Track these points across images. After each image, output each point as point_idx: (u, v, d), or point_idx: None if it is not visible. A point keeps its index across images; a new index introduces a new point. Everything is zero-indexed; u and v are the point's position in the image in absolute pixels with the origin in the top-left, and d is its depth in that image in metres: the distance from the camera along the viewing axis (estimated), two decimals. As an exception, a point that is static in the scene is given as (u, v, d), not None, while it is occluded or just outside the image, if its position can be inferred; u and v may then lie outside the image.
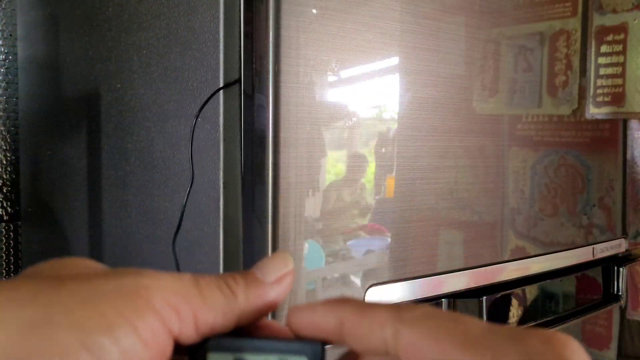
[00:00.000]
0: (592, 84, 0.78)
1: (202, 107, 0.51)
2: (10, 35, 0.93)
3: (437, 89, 0.59)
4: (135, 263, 0.63)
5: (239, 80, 0.50)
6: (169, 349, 0.19)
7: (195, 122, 0.53)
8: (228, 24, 0.50)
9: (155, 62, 0.60)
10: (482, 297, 0.64)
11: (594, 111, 0.78)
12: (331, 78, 0.50)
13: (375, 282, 0.54)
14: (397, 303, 0.20)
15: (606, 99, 0.79)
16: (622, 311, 0.89)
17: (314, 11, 0.49)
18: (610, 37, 0.78)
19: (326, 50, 0.50)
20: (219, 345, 0.21)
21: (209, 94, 0.51)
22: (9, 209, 0.93)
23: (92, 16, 0.72)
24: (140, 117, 0.62)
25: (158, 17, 0.59)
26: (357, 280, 0.53)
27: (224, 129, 0.50)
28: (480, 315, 0.64)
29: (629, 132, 0.85)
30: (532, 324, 0.71)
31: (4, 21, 0.92)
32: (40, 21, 0.86)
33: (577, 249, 0.77)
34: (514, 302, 0.69)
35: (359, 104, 0.53)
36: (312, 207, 0.50)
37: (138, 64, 0.63)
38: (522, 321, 0.70)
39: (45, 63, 0.84)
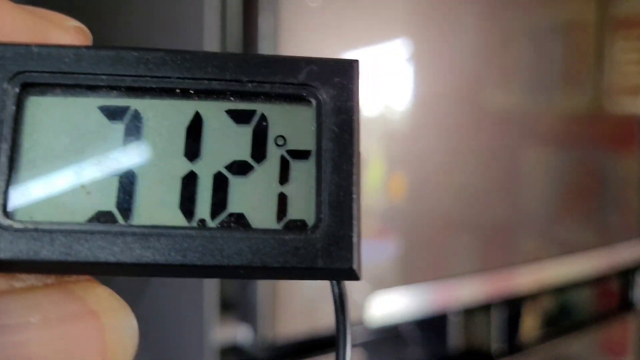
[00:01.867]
0: (610, 79, 0.75)
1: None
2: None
3: (447, 84, 0.57)
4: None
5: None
6: None
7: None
8: (225, 15, 0.48)
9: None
10: (493, 306, 0.61)
11: (612, 107, 0.75)
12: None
13: (380, 287, 0.52)
14: None
15: (625, 94, 0.76)
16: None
17: (315, 2, 0.47)
18: (630, 30, 0.75)
19: (328, 42, 0.47)
20: (55, 72, 0.11)
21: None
22: None
23: (78, 8, 0.70)
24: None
25: (148, 6, 0.56)
26: (360, 286, 0.51)
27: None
28: (493, 325, 0.62)
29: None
30: (547, 333, 0.69)
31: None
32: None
33: (593, 252, 0.74)
34: (528, 310, 0.67)
35: (362, 99, 0.50)
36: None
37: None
38: (536, 331, 0.67)
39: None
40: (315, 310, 0.48)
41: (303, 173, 0.11)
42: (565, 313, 0.72)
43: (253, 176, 0.11)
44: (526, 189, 0.66)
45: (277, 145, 0.11)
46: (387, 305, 0.52)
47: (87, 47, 0.11)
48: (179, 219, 0.11)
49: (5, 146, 0.11)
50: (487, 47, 0.60)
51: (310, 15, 0.47)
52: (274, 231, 0.11)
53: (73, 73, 0.11)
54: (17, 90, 0.11)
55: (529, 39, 0.65)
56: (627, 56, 0.75)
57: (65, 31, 0.13)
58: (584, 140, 0.73)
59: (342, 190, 0.11)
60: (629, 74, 0.76)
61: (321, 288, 0.48)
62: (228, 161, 0.11)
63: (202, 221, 0.11)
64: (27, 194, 0.11)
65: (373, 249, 0.52)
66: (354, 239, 0.11)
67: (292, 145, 0.11)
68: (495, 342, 0.62)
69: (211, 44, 0.47)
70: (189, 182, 0.11)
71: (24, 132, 0.11)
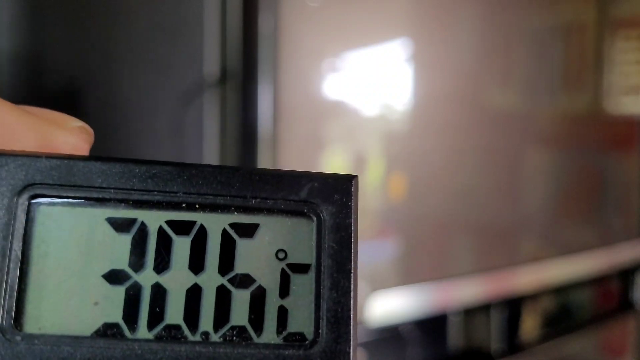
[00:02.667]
0: (610, 80, 0.75)
1: (190, 101, 0.49)
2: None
3: (447, 83, 0.57)
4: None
5: (237, 75, 0.47)
6: None
7: (184, 115, 0.50)
8: (225, 16, 0.48)
9: (144, 56, 0.58)
10: (494, 306, 0.61)
11: (611, 108, 0.75)
12: (333, 71, 0.48)
13: (380, 287, 0.52)
14: None
15: (625, 95, 0.76)
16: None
17: (315, 3, 0.47)
18: (629, 31, 0.75)
19: (328, 44, 0.48)
20: (61, 182, 0.11)
21: (201, 89, 0.48)
22: None
23: (77, 9, 0.70)
24: (127, 111, 0.60)
25: (148, 8, 0.57)
26: (361, 285, 0.51)
27: (221, 127, 0.48)
28: (493, 326, 0.62)
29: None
30: (548, 333, 0.69)
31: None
32: (25, 14, 0.84)
33: (594, 252, 0.74)
34: (529, 311, 0.67)
35: (362, 101, 0.51)
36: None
37: (125, 58, 0.60)
38: (536, 331, 0.67)
39: (29, 57, 0.83)
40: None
41: (303, 287, 0.12)
42: (565, 313, 0.72)
43: (255, 289, 0.12)
44: (526, 189, 0.66)
45: (278, 258, 0.12)
46: (387, 305, 0.52)
47: (96, 159, 0.12)
48: (184, 332, 0.11)
49: (16, 258, 0.11)
50: (488, 48, 0.60)
51: (310, 16, 0.47)
52: (275, 346, 0.11)
53: (82, 186, 0.11)
54: (27, 202, 0.11)
55: (529, 40, 0.65)
56: (626, 56, 0.75)
57: (70, 132, 0.13)
58: (584, 141, 0.73)
59: (340, 307, 0.11)
60: (629, 74, 0.76)
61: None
62: (231, 274, 0.12)
63: (206, 334, 0.11)
64: (36, 305, 0.11)
65: (373, 249, 0.52)
66: (351, 356, 0.11)
67: (292, 259, 0.12)
68: (495, 342, 0.62)
69: (211, 44, 0.47)
70: (193, 294, 0.12)
71: (34, 243, 0.11)
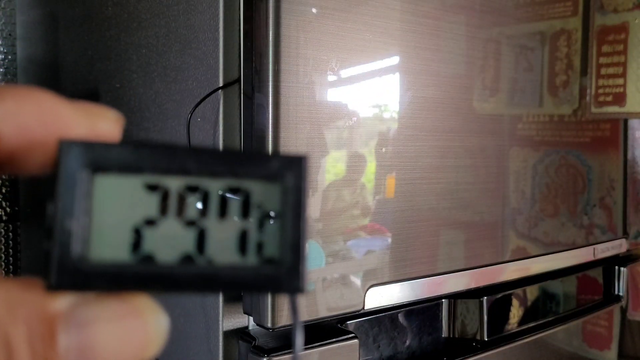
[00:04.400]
0: (593, 84, 0.78)
1: (197, 105, 0.51)
2: (10, 34, 0.92)
3: (438, 89, 0.59)
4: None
5: (239, 79, 0.50)
6: None
7: (189, 119, 0.52)
8: (228, 23, 0.50)
9: (154, 62, 0.59)
10: (482, 297, 0.64)
11: (594, 111, 0.78)
12: (331, 77, 0.50)
13: (375, 282, 0.54)
14: None
15: (607, 98, 0.78)
16: (623, 312, 0.89)
17: (314, 10, 0.49)
18: (611, 37, 0.78)
19: (326, 50, 0.50)
20: (113, 161, 0.16)
21: (210, 95, 0.50)
22: (8, 209, 0.93)
23: (91, 15, 0.71)
24: (139, 117, 0.62)
25: (157, 15, 0.58)
26: (357, 281, 0.53)
27: (224, 129, 0.50)
28: (481, 316, 0.64)
29: (629, 132, 0.85)
30: (533, 324, 0.71)
31: (3, 21, 0.92)
32: (39, 21, 0.85)
33: (577, 249, 0.76)
34: (515, 302, 0.69)
35: (359, 103, 0.53)
36: (311, 207, 0.50)
37: (137, 64, 0.62)
38: (522, 321, 0.70)
39: (44, 63, 0.84)
40: (314, 301, 0.50)
41: (273, 227, 0.17)
42: (550, 305, 0.74)
43: (242, 229, 0.17)
44: (513, 188, 0.68)
45: (257, 208, 0.17)
46: (379, 296, 0.55)
47: (136, 144, 0.16)
48: (195, 258, 0.17)
49: (86, 218, 0.16)
50: (476, 55, 0.62)
51: (310, 23, 0.49)
52: (255, 266, 0.17)
53: (126, 160, 0.16)
54: (91, 174, 0.16)
55: (517, 47, 0.67)
56: (611, 60, 0.78)
57: (109, 121, 0.18)
58: (569, 142, 0.75)
59: (297, 239, 0.17)
60: (613, 78, 0.78)
61: (320, 281, 0.51)
62: (226, 219, 0.17)
63: (210, 260, 0.17)
64: (102, 245, 0.16)
65: (366, 244, 0.54)
66: (303, 271, 0.17)
67: (266, 209, 0.18)
68: (482, 332, 0.64)
69: (220, 52, 0.49)
70: (201, 232, 0.17)
71: (95, 203, 0.16)
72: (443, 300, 0.64)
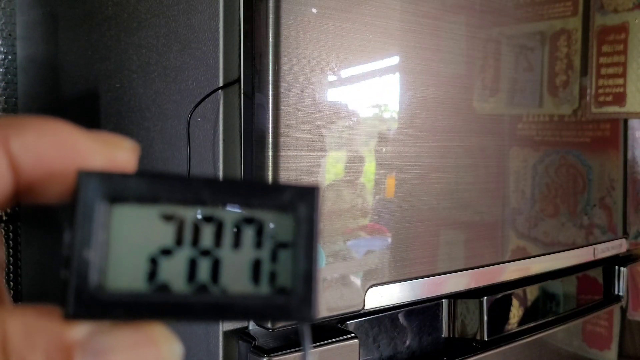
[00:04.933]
0: (593, 84, 0.78)
1: (197, 105, 0.51)
2: (10, 34, 0.92)
3: (438, 89, 0.59)
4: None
5: (239, 79, 0.50)
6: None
7: (189, 119, 0.52)
8: (228, 23, 0.50)
9: (154, 62, 0.59)
10: (482, 297, 0.64)
11: (594, 111, 0.78)
12: (331, 77, 0.50)
13: (375, 282, 0.54)
14: None
15: (607, 98, 0.78)
16: (623, 311, 0.89)
17: (314, 10, 0.49)
18: (611, 37, 0.78)
19: (326, 50, 0.50)
20: (130, 191, 0.17)
21: (210, 95, 0.50)
22: (8, 209, 0.93)
23: (91, 15, 0.71)
24: (139, 116, 0.62)
25: (157, 16, 0.59)
26: (357, 281, 0.53)
27: (224, 129, 0.50)
28: (481, 316, 0.64)
29: (629, 132, 0.85)
30: (533, 324, 0.71)
31: (3, 20, 0.92)
32: (39, 21, 0.85)
33: (577, 249, 0.76)
34: (515, 302, 0.69)
35: (359, 103, 0.53)
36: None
37: (137, 64, 0.62)
38: (522, 321, 0.70)
39: (44, 63, 0.84)
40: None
41: (285, 257, 0.18)
42: (550, 305, 0.74)
43: (255, 259, 0.18)
44: (513, 188, 0.68)
45: (270, 239, 0.18)
46: (379, 296, 0.55)
47: (152, 175, 0.17)
48: (209, 288, 0.17)
49: (104, 248, 0.16)
50: (476, 55, 0.62)
51: (309, 23, 0.49)
52: (268, 295, 0.17)
53: (143, 191, 0.17)
54: (109, 204, 0.16)
55: (517, 46, 0.67)
56: (611, 60, 0.78)
57: (126, 150, 0.18)
58: (570, 142, 0.75)
59: (308, 269, 0.18)
60: (613, 77, 0.78)
61: (320, 281, 0.51)
62: (240, 249, 0.18)
63: (224, 289, 0.17)
64: (118, 275, 0.16)
65: (366, 244, 0.54)
66: (315, 300, 0.17)
67: (279, 239, 0.18)
68: (482, 332, 0.64)
69: (220, 52, 0.49)
70: (215, 262, 0.17)
71: (113, 233, 0.16)
72: (443, 300, 0.64)
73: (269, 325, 0.48)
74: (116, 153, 0.17)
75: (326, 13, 0.49)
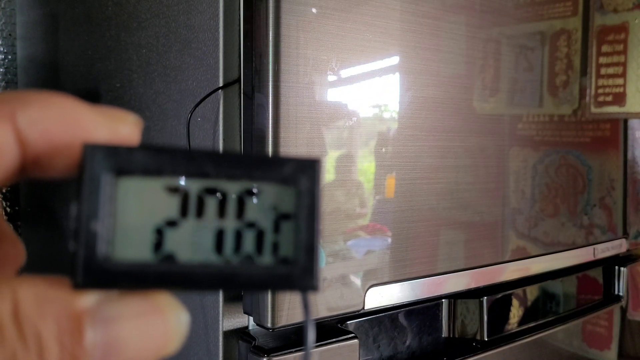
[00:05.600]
0: (592, 84, 0.78)
1: (197, 105, 0.51)
2: (10, 34, 0.92)
3: (438, 89, 0.59)
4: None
5: (239, 79, 0.50)
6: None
7: (189, 119, 0.53)
8: (228, 23, 0.50)
9: (154, 61, 0.59)
10: (482, 297, 0.64)
11: (594, 111, 0.78)
12: (331, 77, 0.50)
13: (375, 282, 0.54)
14: None
15: (607, 98, 0.78)
16: (623, 311, 0.89)
17: (314, 10, 0.49)
18: (611, 37, 0.78)
19: (326, 50, 0.50)
20: (135, 164, 0.17)
21: (210, 95, 0.50)
22: (9, 209, 0.93)
23: (91, 15, 0.71)
24: (139, 116, 0.62)
25: (157, 15, 0.59)
26: (357, 281, 0.53)
27: (224, 129, 0.50)
28: (481, 316, 0.64)
29: (629, 132, 0.85)
30: (533, 324, 0.71)
31: (3, 20, 0.92)
32: (39, 21, 0.85)
33: (577, 249, 0.76)
34: (515, 302, 0.69)
35: (359, 103, 0.53)
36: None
37: (137, 63, 0.62)
38: (522, 321, 0.70)
39: (44, 62, 0.84)
40: (314, 301, 0.50)
41: (288, 228, 0.18)
42: (550, 305, 0.74)
43: (259, 230, 0.18)
44: (513, 188, 0.68)
45: (273, 210, 0.18)
46: (379, 296, 0.55)
47: (157, 148, 0.17)
48: (213, 257, 0.17)
49: (111, 220, 0.16)
50: (477, 55, 0.62)
51: (309, 23, 0.49)
52: (271, 265, 0.18)
53: (148, 164, 0.17)
54: (115, 177, 0.17)
55: (517, 46, 0.67)
56: (611, 60, 0.78)
57: (130, 124, 0.18)
58: (569, 142, 0.75)
59: (310, 240, 0.18)
60: (613, 78, 0.78)
61: (320, 281, 0.51)
62: (244, 220, 0.18)
63: (227, 259, 0.18)
64: (125, 245, 0.17)
65: (366, 244, 0.54)
66: (317, 270, 0.18)
67: (281, 211, 0.18)
68: (482, 332, 0.64)
69: (220, 52, 0.49)
70: (219, 232, 0.18)
71: (119, 205, 0.17)
72: (443, 300, 0.64)
73: (269, 324, 0.48)
74: (120, 127, 0.18)
75: (326, 13, 0.49)
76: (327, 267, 0.51)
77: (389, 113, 0.55)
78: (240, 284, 0.17)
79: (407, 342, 0.61)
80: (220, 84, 0.50)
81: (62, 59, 0.79)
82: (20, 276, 0.16)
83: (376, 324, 0.58)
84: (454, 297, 0.63)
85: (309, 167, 0.18)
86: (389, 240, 0.56)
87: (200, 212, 0.17)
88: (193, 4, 0.53)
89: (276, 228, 0.18)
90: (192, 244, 0.17)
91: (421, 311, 0.62)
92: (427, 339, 0.63)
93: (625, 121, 0.84)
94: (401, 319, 0.60)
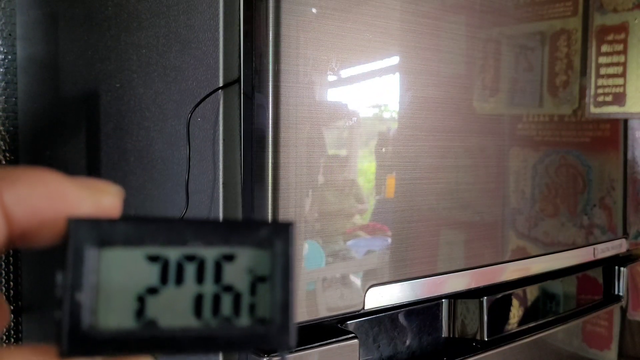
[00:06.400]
0: (592, 84, 0.78)
1: (197, 105, 0.51)
2: (10, 34, 0.92)
3: (438, 89, 0.59)
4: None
5: (239, 79, 0.50)
6: None
7: (189, 119, 0.52)
8: (228, 23, 0.50)
9: (154, 62, 0.59)
10: (482, 297, 0.64)
11: (594, 111, 0.78)
12: (331, 77, 0.50)
13: (375, 282, 0.54)
14: None
15: (607, 98, 0.78)
16: (623, 311, 0.89)
17: (314, 10, 0.49)
18: (611, 37, 0.78)
19: (326, 50, 0.50)
20: (117, 236, 0.18)
21: (209, 95, 0.50)
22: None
23: (91, 15, 0.71)
24: (139, 116, 0.62)
25: (157, 15, 0.59)
26: (357, 281, 0.53)
27: (224, 129, 0.50)
28: (481, 316, 0.64)
29: (629, 132, 0.85)
30: (533, 324, 0.71)
31: (3, 20, 0.92)
32: (39, 21, 0.85)
33: (578, 249, 0.76)
34: (515, 302, 0.69)
35: (359, 103, 0.53)
36: (311, 207, 0.50)
37: (137, 64, 0.62)
38: (522, 321, 0.70)
39: (44, 63, 0.84)
40: (314, 301, 0.50)
41: (264, 290, 0.19)
42: (550, 305, 0.74)
43: (235, 293, 0.18)
44: (513, 188, 0.68)
45: (249, 273, 0.19)
46: (379, 296, 0.55)
47: (137, 219, 0.18)
48: (193, 321, 0.18)
49: (94, 290, 0.17)
50: (477, 55, 0.62)
51: (310, 23, 0.49)
52: (248, 326, 0.18)
53: (129, 234, 0.18)
54: (98, 248, 0.17)
55: (517, 46, 0.67)
56: (610, 60, 0.78)
57: (111, 195, 0.19)
58: (569, 142, 0.75)
59: (286, 300, 0.18)
60: (613, 77, 0.78)
61: (320, 281, 0.51)
62: (221, 284, 0.18)
63: (206, 322, 0.18)
64: (108, 314, 0.17)
65: (366, 244, 0.54)
66: (292, 328, 0.18)
67: (257, 274, 0.19)
68: (482, 332, 0.64)
69: (220, 52, 0.49)
70: (198, 297, 0.18)
71: (102, 275, 0.17)
72: (443, 300, 0.63)
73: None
74: (102, 199, 0.19)
75: (326, 13, 0.49)
76: (327, 267, 0.51)
77: (389, 113, 0.55)
78: (220, 346, 0.18)
79: (407, 342, 0.61)
80: (220, 84, 0.50)
81: (62, 59, 0.79)
82: (7, 347, 0.17)
83: (376, 324, 0.58)
84: (454, 297, 0.63)
85: (283, 231, 0.19)
86: (389, 240, 0.55)
87: (179, 278, 0.18)
88: (193, 4, 0.53)
89: (253, 290, 0.18)
90: (172, 309, 0.18)
91: (421, 311, 0.62)
92: (427, 339, 0.63)
93: (625, 121, 0.84)
94: (401, 319, 0.60)
